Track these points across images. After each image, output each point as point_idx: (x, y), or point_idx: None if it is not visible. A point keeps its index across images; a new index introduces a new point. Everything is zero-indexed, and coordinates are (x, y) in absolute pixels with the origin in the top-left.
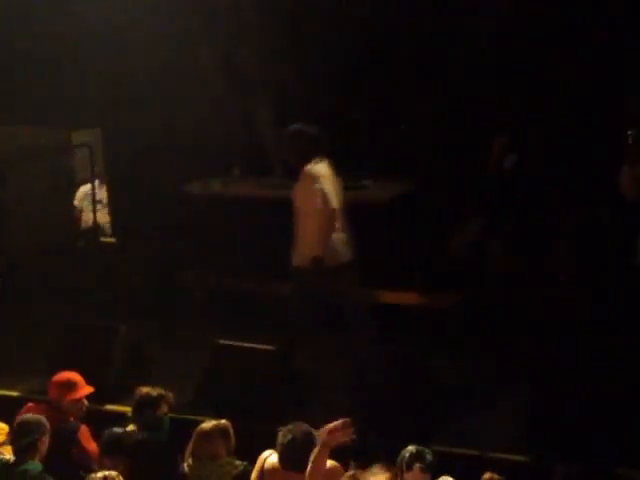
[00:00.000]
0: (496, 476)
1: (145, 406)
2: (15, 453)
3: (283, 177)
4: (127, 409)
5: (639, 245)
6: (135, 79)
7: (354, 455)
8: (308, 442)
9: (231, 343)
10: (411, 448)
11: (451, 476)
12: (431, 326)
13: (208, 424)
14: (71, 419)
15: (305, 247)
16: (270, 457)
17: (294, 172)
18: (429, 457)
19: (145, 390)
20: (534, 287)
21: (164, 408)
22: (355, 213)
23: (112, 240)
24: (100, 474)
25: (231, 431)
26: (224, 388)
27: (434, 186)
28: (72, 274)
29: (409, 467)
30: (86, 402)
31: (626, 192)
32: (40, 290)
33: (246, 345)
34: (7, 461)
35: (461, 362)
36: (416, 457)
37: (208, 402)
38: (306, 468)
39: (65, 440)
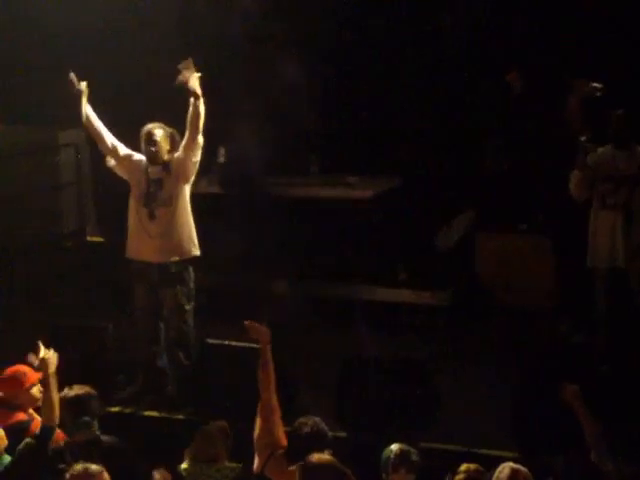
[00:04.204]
0: (472, 466)
1: (73, 408)
2: None
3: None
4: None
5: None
6: (123, 79)
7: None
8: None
9: (218, 342)
10: (395, 448)
11: (437, 473)
12: (418, 323)
13: (211, 425)
14: (25, 414)
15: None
16: None
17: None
18: (414, 457)
19: (72, 391)
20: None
21: (94, 407)
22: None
23: (99, 239)
24: (80, 466)
25: (229, 432)
26: (210, 387)
27: (420, 181)
28: (58, 273)
29: (395, 469)
30: (39, 391)
31: (574, 193)
32: (26, 289)
33: (233, 344)
34: None
35: (448, 358)
36: (402, 458)
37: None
38: None
39: (20, 438)
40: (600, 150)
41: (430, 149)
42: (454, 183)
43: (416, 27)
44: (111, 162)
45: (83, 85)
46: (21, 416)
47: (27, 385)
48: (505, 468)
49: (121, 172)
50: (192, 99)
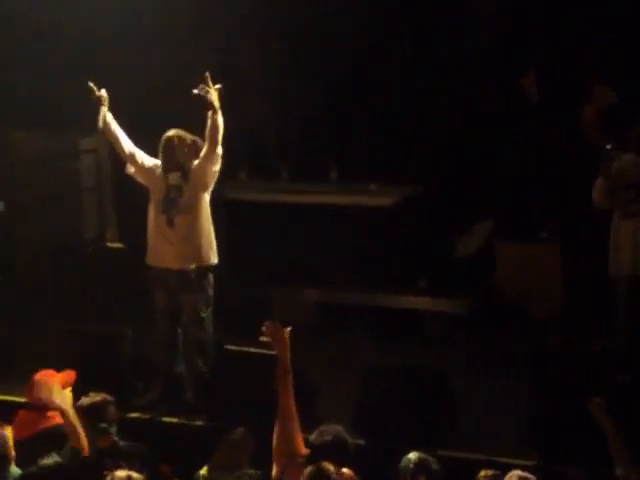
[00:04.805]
0: (490, 472)
1: (90, 415)
2: None
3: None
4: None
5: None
6: (143, 86)
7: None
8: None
9: (236, 348)
10: (414, 457)
11: None
12: (436, 331)
13: (235, 434)
14: (57, 418)
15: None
16: None
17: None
18: (434, 466)
19: (88, 398)
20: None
21: (111, 413)
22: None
23: (120, 246)
24: (123, 473)
25: (252, 439)
26: (229, 394)
27: (440, 189)
28: (78, 280)
29: (414, 477)
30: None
31: (597, 202)
32: (46, 295)
33: (252, 350)
34: None
35: (467, 366)
36: (421, 466)
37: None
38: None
39: (55, 443)
40: (622, 158)
41: (450, 156)
42: (474, 191)
43: (434, 30)
44: (131, 169)
45: (103, 92)
46: (57, 419)
47: (57, 387)
48: (513, 477)
49: (141, 179)
50: (210, 112)
